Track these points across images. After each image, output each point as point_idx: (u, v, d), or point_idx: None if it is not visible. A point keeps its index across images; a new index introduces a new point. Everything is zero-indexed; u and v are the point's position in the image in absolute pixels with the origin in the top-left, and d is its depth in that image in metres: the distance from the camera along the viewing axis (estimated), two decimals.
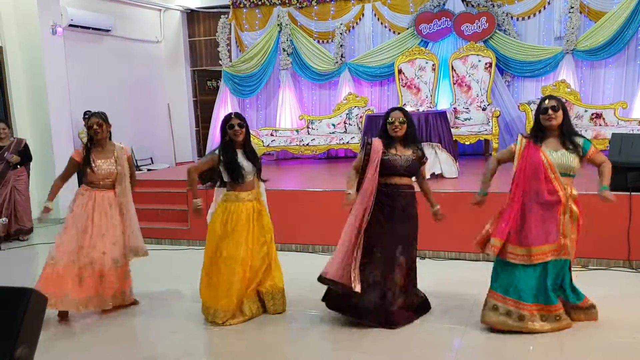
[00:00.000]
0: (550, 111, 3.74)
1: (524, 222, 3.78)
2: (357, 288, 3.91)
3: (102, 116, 4.51)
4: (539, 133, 3.84)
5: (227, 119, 4.22)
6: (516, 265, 3.81)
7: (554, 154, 3.76)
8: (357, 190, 4.05)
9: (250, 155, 4.28)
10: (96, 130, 4.45)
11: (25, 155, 7.33)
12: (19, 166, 7.29)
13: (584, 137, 3.89)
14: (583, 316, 3.98)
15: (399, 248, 4.03)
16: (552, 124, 3.77)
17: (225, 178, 4.24)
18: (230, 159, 4.17)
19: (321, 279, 4.08)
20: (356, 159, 4.14)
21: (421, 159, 4.12)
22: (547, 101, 3.79)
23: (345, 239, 4.04)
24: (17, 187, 7.30)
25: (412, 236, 4.14)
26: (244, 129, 4.21)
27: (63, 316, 4.52)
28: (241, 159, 4.21)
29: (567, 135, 3.80)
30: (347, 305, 4.06)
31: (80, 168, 4.50)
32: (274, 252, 4.45)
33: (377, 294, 3.99)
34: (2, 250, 6.99)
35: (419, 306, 4.26)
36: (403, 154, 4.02)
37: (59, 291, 4.31)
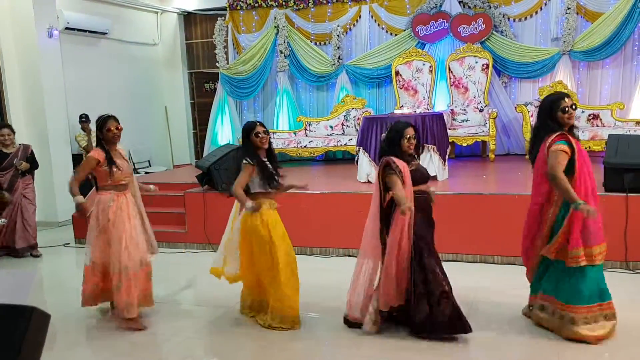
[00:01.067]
0: (571, 110, 3.74)
1: (590, 222, 3.68)
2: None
3: (117, 119, 4.50)
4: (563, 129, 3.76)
5: (252, 127, 4.19)
6: (582, 268, 3.69)
7: None
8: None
9: (274, 160, 4.32)
10: (116, 133, 4.43)
11: (32, 163, 6.86)
12: (26, 174, 6.79)
13: None
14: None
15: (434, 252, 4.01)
16: (572, 122, 3.78)
17: (254, 187, 4.19)
18: (263, 166, 4.17)
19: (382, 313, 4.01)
20: (396, 185, 3.85)
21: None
22: (566, 99, 3.75)
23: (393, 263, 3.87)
24: (27, 195, 6.79)
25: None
26: (268, 136, 4.24)
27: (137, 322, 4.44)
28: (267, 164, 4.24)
29: (575, 133, 3.82)
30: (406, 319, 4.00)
31: (99, 168, 4.36)
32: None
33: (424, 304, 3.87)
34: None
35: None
36: (419, 163, 4.11)
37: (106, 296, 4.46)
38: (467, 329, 3.84)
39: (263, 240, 4.14)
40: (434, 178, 6.75)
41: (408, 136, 3.93)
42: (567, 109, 3.73)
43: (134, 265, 4.35)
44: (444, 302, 3.82)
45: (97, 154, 4.37)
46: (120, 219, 4.37)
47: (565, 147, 3.64)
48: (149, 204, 7.21)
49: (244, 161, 4.12)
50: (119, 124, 4.46)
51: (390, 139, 3.98)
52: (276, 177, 4.23)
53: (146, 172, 10.22)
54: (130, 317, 4.33)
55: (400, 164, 3.89)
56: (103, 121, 4.42)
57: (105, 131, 4.40)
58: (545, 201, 3.81)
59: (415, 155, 4.08)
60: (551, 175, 3.64)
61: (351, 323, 4.13)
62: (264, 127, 4.24)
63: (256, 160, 4.13)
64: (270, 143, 4.28)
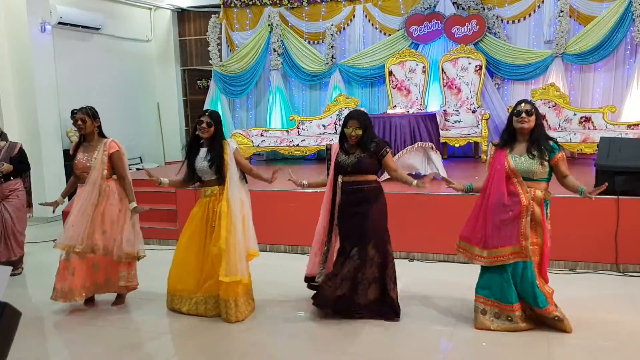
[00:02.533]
0: (523, 114, 3.81)
1: (488, 225, 3.89)
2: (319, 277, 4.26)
3: (88, 111, 4.55)
4: (508, 137, 3.95)
5: (200, 114, 4.41)
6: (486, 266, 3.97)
7: (517, 159, 3.85)
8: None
9: (212, 154, 4.34)
10: (80, 126, 4.56)
11: (19, 163, 5.81)
12: (12, 177, 5.77)
13: (556, 143, 3.90)
14: (552, 325, 3.92)
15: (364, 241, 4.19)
16: (523, 127, 3.83)
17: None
18: (190, 156, 4.46)
19: (305, 279, 4.43)
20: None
21: (378, 154, 4.19)
22: (522, 105, 3.86)
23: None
24: (8, 204, 5.76)
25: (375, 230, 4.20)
26: (211, 128, 4.34)
27: (89, 301, 4.72)
28: (200, 157, 4.39)
29: (533, 141, 3.85)
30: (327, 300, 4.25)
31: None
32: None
33: (347, 287, 4.15)
34: None
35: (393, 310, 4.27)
36: (352, 154, 4.21)
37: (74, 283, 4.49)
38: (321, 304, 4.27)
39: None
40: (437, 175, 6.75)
41: (349, 127, 4.15)
42: (521, 113, 3.82)
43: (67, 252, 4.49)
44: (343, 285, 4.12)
45: (71, 148, 4.72)
46: (82, 207, 4.51)
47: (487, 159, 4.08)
48: (141, 201, 7.22)
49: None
50: (87, 116, 4.53)
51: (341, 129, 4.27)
52: (198, 169, 4.40)
53: (137, 169, 10.16)
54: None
55: (334, 151, 4.27)
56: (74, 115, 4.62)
57: (73, 122, 4.58)
58: None
59: (359, 148, 4.17)
60: None
61: (307, 278, 4.43)
62: (212, 117, 4.38)
63: (189, 149, 4.47)
64: (215, 135, 4.36)
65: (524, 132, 3.85)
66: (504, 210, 3.83)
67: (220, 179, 4.33)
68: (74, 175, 4.73)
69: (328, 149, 4.31)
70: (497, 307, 3.95)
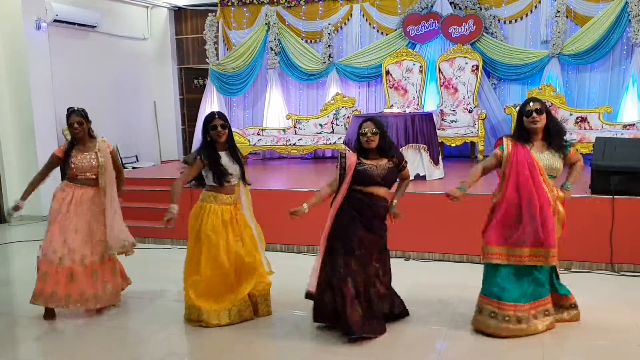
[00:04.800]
0: (534, 114, 3.74)
1: (517, 224, 3.76)
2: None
3: (82, 114, 4.46)
4: (523, 134, 3.84)
5: (209, 119, 4.12)
6: (507, 266, 3.80)
7: (540, 156, 3.78)
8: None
9: (235, 157, 4.21)
10: (77, 129, 4.40)
11: None
12: None
13: (566, 138, 3.92)
14: (566, 315, 4.02)
15: (375, 255, 3.99)
16: (536, 127, 3.78)
17: (208, 181, 4.16)
18: (213, 162, 4.08)
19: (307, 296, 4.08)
20: (331, 177, 3.99)
21: (399, 165, 4.02)
22: (531, 104, 3.78)
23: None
24: None
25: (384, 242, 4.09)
26: (227, 130, 4.13)
27: (49, 314, 4.45)
28: (225, 160, 4.14)
29: (554, 136, 3.80)
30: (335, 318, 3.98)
31: (62, 164, 4.46)
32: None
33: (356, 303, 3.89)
34: None
35: (401, 312, 4.23)
36: (378, 163, 3.94)
37: (48, 288, 4.29)
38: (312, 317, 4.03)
39: (192, 230, 4.20)
40: (422, 178, 6.76)
41: (364, 131, 3.87)
42: (531, 113, 3.75)
43: (67, 259, 4.31)
44: (339, 300, 3.84)
45: (58, 150, 4.48)
46: (64, 209, 4.36)
47: (498, 151, 3.86)
48: (137, 200, 7.22)
49: (197, 156, 4.08)
50: (82, 118, 4.41)
51: (356, 134, 3.97)
52: (230, 174, 4.13)
53: (133, 167, 10.15)
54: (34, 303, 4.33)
55: (350, 159, 3.86)
56: (67, 116, 4.44)
57: (68, 126, 4.42)
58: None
59: (379, 153, 3.93)
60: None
61: (308, 295, 4.08)
62: (224, 120, 4.14)
63: (207, 155, 4.07)
64: (230, 136, 4.19)
65: (537, 131, 3.80)
66: (535, 209, 3.71)
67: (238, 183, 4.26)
68: (68, 177, 4.47)
69: (343, 156, 3.91)
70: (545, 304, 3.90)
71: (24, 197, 4.45)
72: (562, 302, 4.04)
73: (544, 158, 3.78)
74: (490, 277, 3.88)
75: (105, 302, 4.52)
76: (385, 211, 4.01)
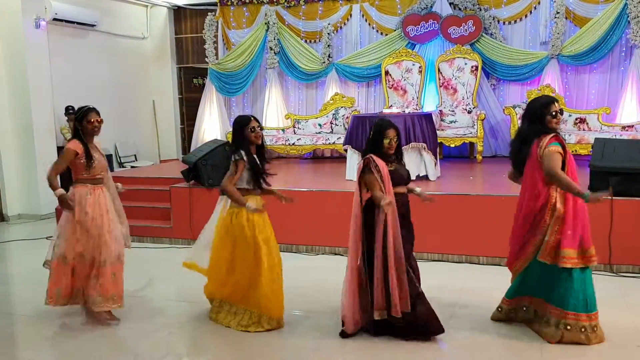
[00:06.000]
0: (559, 115, 3.78)
1: (584, 223, 3.74)
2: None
3: (98, 112, 4.43)
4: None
5: (246, 121, 4.05)
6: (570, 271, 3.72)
7: None
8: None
9: (262, 158, 4.20)
10: (97, 126, 4.33)
11: None
12: None
13: None
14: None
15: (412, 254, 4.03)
16: (559, 127, 3.81)
17: (241, 183, 4.06)
18: (255, 164, 4.06)
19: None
20: (374, 185, 3.80)
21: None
22: (555, 104, 3.79)
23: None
24: None
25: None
26: (262, 131, 4.15)
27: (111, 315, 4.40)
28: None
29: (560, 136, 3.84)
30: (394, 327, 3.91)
31: (76, 161, 4.26)
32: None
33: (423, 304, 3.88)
34: None
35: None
36: (400, 164, 4.04)
37: (107, 292, 4.27)
38: (441, 329, 3.84)
39: (247, 241, 4.03)
40: (425, 177, 6.77)
41: (390, 137, 3.89)
42: (555, 113, 3.77)
43: (112, 260, 4.28)
44: (419, 303, 3.82)
45: (75, 145, 4.25)
46: (99, 213, 4.30)
47: (559, 149, 3.71)
48: (136, 199, 7.21)
49: (236, 156, 3.98)
50: (99, 116, 4.37)
51: (373, 138, 3.94)
52: (265, 176, 4.14)
53: (132, 167, 10.15)
54: (103, 310, 4.29)
55: (380, 163, 3.85)
56: (84, 113, 4.32)
57: (86, 123, 4.29)
58: (542, 205, 3.76)
59: (395, 157, 4.00)
60: (551, 175, 3.67)
61: (347, 335, 3.93)
62: (258, 121, 4.12)
63: (248, 156, 4.01)
64: (262, 139, 4.17)
65: (558, 130, 3.81)
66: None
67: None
68: (83, 178, 4.31)
69: (371, 162, 3.82)
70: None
71: (57, 187, 4.22)
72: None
73: None
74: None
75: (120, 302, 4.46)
76: (406, 207, 4.05)
